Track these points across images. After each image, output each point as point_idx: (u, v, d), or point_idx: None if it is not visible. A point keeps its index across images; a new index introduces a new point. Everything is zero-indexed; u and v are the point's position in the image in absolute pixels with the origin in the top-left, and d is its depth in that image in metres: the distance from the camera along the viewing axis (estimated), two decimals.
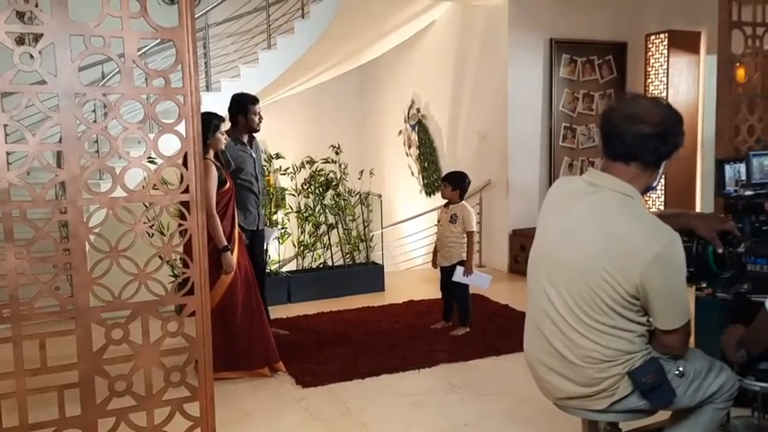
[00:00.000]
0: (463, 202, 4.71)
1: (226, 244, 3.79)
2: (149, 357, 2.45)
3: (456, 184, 4.68)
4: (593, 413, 2.01)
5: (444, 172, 8.03)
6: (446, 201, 4.76)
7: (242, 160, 4.32)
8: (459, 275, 4.58)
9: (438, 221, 4.83)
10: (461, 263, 4.62)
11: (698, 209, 6.93)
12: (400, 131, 9.08)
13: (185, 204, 2.46)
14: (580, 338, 1.87)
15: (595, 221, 1.88)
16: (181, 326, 2.49)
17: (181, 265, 2.77)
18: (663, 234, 1.82)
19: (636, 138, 1.83)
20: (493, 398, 3.55)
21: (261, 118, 4.39)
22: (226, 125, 4.01)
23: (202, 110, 2.69)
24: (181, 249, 2.64)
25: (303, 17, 7.23)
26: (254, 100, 4.39)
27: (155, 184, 2.44)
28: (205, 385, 2.52)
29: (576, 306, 1.86)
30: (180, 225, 2.49)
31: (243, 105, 4.34)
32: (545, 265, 1.97)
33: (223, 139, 3.91)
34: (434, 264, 4.84)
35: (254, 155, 4.43)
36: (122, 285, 2.38)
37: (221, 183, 3.85)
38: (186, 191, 2.46)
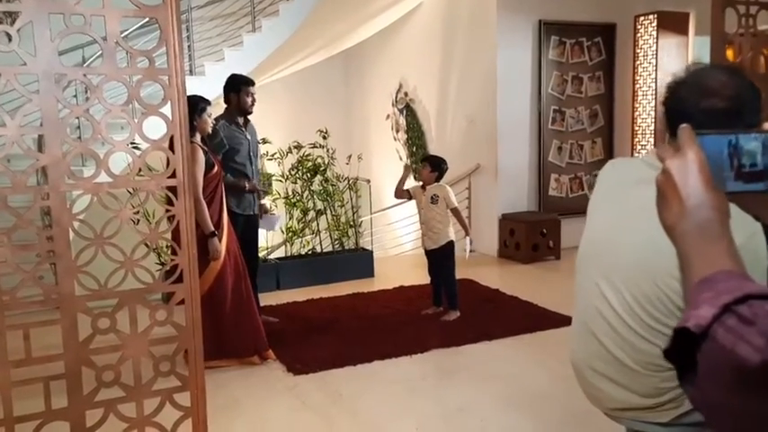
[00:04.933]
0: (440, 183, 4.68)
1: (212, 230, 3.72)
2: (138, 347, 2.38)
3: (435, 167, 4.67)
4: (653, 426, 1.76)
5: None
6: (421, 183, 4.74)
7: (237, 142, 4.28)
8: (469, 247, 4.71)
9: (417, 203, 4.78)
10: (450, 243, 4.61)
11: None
12: (388, 116, 9.00)
13: (172, 189, 2.39)
14: (642, 343, 1.62)
15: None
16: (169, 314, 2.43)
17: (167, 252, 2.72)
18: (744, 224, 1.53)
19: (707, 114, 1.57)
20: (486, 383, 3.52)
21: (254, 100, 4.36)
22: (212, 109, 3.93)
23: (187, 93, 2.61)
24: (168, 236, 2.57)
25: None
26: (247, 81, 4.38)
27: (140, 169, 2.36)
28: (195, 374, 2.46)
29: (638, 307, 1.61)
30: (167, 211, 2.42)
31: (236, 84, 4.32)
32: (599, 259, 1.73)
33: (210, 122, 3.84)
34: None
35: (248, 137, 4.38)
36: (108, 273, 2.31)
37: (209, 167, 3.77)
38: (173, 176, 2.39)
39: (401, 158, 8.81)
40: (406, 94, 8.51)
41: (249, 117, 4.44)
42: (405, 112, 8.55)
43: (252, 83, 4.38)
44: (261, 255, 5.66)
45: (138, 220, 4.63)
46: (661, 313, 1.58)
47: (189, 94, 3.66)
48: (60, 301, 2.25)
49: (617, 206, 1.71)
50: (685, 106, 1.59)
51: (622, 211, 1.68)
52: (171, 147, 2.37)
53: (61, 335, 2.26)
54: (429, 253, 4.72)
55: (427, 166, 4.68)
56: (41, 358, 2.26)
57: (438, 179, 4.67)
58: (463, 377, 3.62)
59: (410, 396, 3.40)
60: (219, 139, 4.16)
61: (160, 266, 4.71)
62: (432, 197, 4.60)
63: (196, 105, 3.67)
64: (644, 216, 1.52)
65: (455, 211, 4.60)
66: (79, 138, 6.45)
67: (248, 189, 4.29)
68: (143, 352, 2.39)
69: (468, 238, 4.71)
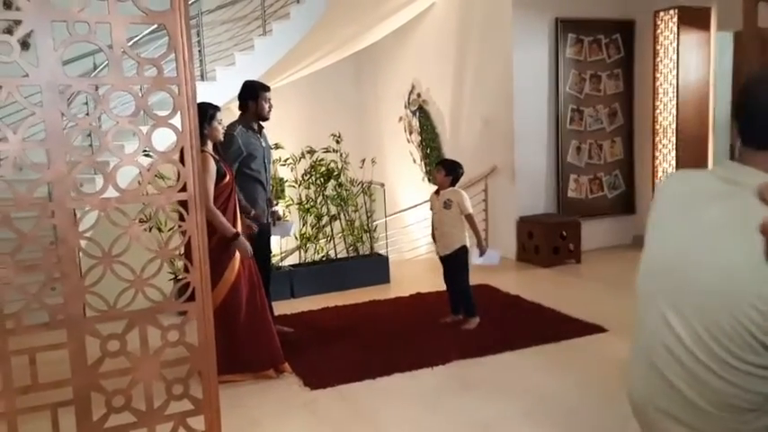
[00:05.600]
0: (454, 188, 4.54)
1: (234, 231, 3.62)
2: (149, 369, 2.27)
3: (450, 170, 4.54)
4: None
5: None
6: (436, 188, 4.62)
7: (254, 148, 4.19)
8: (476, 259, 4.48)
9: (431, 209, 4.67)
10: (463, 248, 4.47)
11: None
12: (401, 118, 8.87)
13: (183, 203, 2.28)
14: (716, 381, 1.41)
15: (739, 232, 1.37)
16: (182, 334, 2.32)
17: (178, 263, 2.62)
18: None
19: None
20: (510, 397, 3.38)
21: (271, 106, 4.29)
22: (222, 114, 3.81)
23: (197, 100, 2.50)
24: (178, 252, 2.46)
25: (299, 1, 7.00)
26: (265, 87, 4.30)
27: (149, 182, 2.25)
28: (210, 397, 2.35)
29: (712, 340, 1.39)
30: (179, 226, 2.31)
31: (254, 91, 4.24)
32: (665, 285, 1.51)
33: (221, 129, 3.73)
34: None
35: (263, 144, 4.30)
36: (118, 293, 2.20)
37: (220, 176, 3.66)
38: (184, 189, 2.28)
39: (414, 161, 8.68)
40: (419, 95, 8.38)
41: (263, 124, 4.36)
42: (418, 113, 8.41)
43: (268, 89, 4.30)
44: (274, 261, 5.56)
45: (150, 228, 4.56)
46: (738, 347, 1.37)
47: (198, 100, 3.56)
48: (67, 323, 2.14)
49: (686, 225, 1.49)
50: (766, 109, 1.40)
51: (694, 231, 1.46)
52: (182, 158, 2.27)
53: (69, 359, 2.15)
54: (442, 259, 4.59)
55: (441, 170, 4.56)
56: (48, 384, 2.16)
57: (453, 183, 4.54)
58: (487, 391, 3.47)
59: (432, 412, 3.26)
60: (237, 146, 4.07)
61: (173, 277, 4.62)
62: (445, 202, 4.47)
63: (205, 112, 3.56)
64: (720, 237, 1.40)
65: (469, 218, 4.46)
66: (90, 146, 6.39)
67: (252, 216, 4.15)
68: (155, 374, 2.28)
69: (479, 248, 4.51)
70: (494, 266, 4.65)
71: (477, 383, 3.57)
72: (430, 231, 4.72)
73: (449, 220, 4.47)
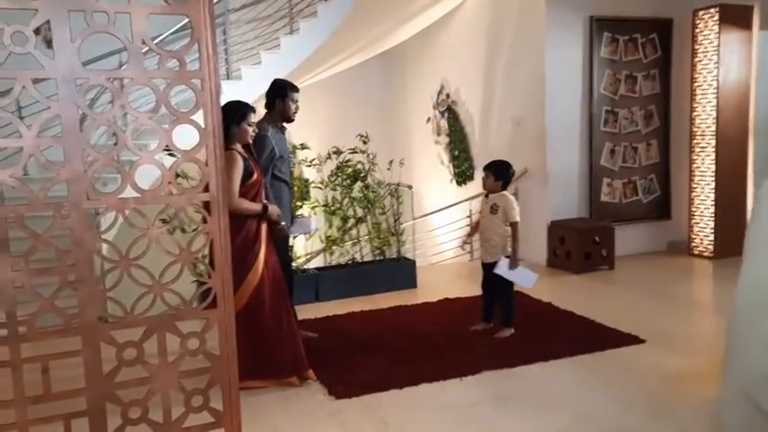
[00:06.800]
0: (504, 192, 4.34)
1: (262, 204, 3.56)
2: (167, 379, 2.16)
3: (499, 175, 4.32)
4: None
5: (477, 160, 7.69)
6: (486, 191, 4.42)
7: (284, 149, 4.10)
8: (503, 269, 4.23)
9: (480, 212, 4.50)
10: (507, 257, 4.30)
11: (749, 197, 6.50)
12: (429, 119, 8.71)
13: (206, 205, 2.16)
14: None
15: None
16: (202, 343, 2.20)
17: (203, 266, 2.51)
18: None
19: None
20: (546, 412, 3.21)
21: (298, 108, 4.18)
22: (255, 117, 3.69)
23: (223, 99, 2.39)
24: (201, 254, 2.34)
25: None
26: (294, 87, 4.20)
27: (169, 182, 2.13)
28: (231, 410, 2.23)
29: None
30: (201, 228, 2.19)
31: (283, 90, 4.14)
32: None
33: (251, 131, 3.60)
34: (466, 242, 4.71)
35: (288, 145, 4.21)
36: (135, 298, 2.09)
37: (248, 174, 3.54)
38: (206, 189, 2.16)
39: (443, 162, 8.52)
40: (447, 95, 8.22)
41: (286, 125, 4.25)
42: (446, 114, 8.25)
43: (298, 90, 4.19)
44: (298, 264, 5.44)
45: (174, 229, 4.46)
46: None
47: (232, 100, 3.44)
48: (82, 329, 2.03)
49: None
50: None
51: None
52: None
53: (83, 367, 2.05)
54: (485, 266, 4.41)
55: (490, 174, 4.33)
56: (61, 393, 2.05)
57: (504, 186, 4.34)
58: (521, 405, 3.30)
59: (464, 426, 3.10)
60: (271, 148, 3.96)
61: (195, 280, 4.51)
62: (492, 206, 4.29)
63: (237, 111, 3.47)
64: None
65: (513, 227, 4.25)
66: (115, 144, 6.34)
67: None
68: (173, 385, 2.17)
69: (505, 260, 4.23)
70: (525, 288, 4.43)
71: (511, 396, 3.40)
72: (460, 233, 4.56)
73: (494, 226, 4.28)
